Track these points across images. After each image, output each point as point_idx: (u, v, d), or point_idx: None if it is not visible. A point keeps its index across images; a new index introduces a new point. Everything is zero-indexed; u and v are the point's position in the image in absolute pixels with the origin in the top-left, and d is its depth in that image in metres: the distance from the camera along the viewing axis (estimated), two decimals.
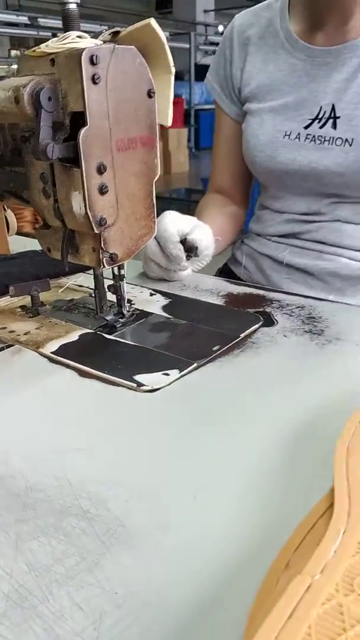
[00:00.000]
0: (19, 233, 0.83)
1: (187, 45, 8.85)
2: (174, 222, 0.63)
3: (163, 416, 0.40)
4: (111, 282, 0.54)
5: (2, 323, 0.57)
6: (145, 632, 0.24)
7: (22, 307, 0.60)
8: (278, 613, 0.21)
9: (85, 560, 0.27)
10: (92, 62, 0.40)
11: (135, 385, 0.44)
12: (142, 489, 0.32)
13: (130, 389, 0.44)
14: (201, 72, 9.19)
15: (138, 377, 0.45)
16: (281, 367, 0.46)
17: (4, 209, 0.79)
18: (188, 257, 0.65)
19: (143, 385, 0.44)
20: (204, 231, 0.66)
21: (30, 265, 0.71)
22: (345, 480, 0.28)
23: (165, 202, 3.89)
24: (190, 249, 0.64)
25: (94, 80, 0.41)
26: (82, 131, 0.41)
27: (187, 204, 3.99)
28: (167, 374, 0.45)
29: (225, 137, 0.82)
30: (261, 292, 0.65)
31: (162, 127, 0.50)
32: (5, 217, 0.80)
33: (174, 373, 0.45)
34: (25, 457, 0.35)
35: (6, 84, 0.43)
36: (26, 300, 0.60)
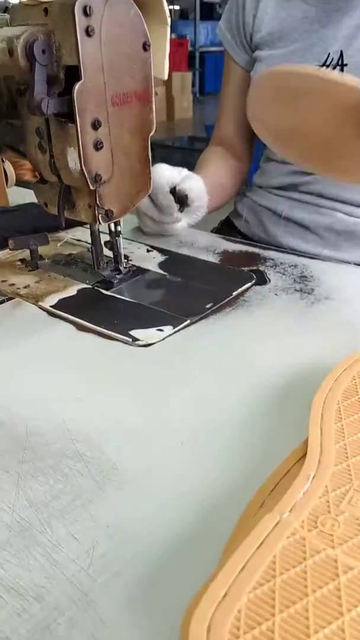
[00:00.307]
0: (19, 182, 0.83)
1: None
2: (164, 173, 0.63)
3: (156, 369, 0.42)
4: (108, 237, 0.55)
5: (2, 276, 0.58)
6: (132, 559, 0.27)
7: (22, 260, 0.62)
8: (249, 543, 0.24)
9: (80, 497, 0.30)
10: (86, 13, 0.39)
11: (130, 340, 0.46)
12: (134, 434, 0.35)
13: (125, 343, 0.46)
14: (207, 10, 8.55)
15: (133, 332, 0.47)
16: (270, 325, 0.48)
17: (2, 161, 0.78)
18: (180, 209, 0.65)
19: (138, 340, 0.46)
20: (195, 181, 0.66)
21: (29, 218, 0.71)
22: (319, 431, 0.31)
23: (167, 151, 3.76)
24: (182, 199, 0.64)
25: (88, 32, 0.40)
26: (77, 86, 0.41)
27: (191, 152, 3.85)
28: (161, 330, 0.47)
29: (233, 86, 0.80)
30: (256, 250, 0.66)
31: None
32: (4, 169, 0.80)
33: (168, 329, 0.47)
34: (25, 404, 0.38)
35: None
36: (26, 253, 0.61)
